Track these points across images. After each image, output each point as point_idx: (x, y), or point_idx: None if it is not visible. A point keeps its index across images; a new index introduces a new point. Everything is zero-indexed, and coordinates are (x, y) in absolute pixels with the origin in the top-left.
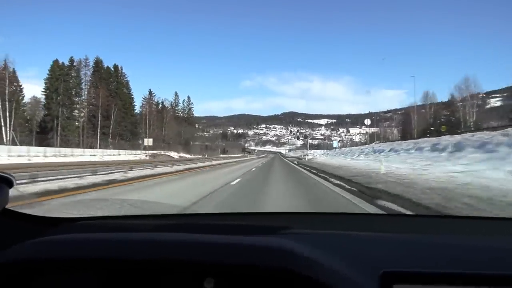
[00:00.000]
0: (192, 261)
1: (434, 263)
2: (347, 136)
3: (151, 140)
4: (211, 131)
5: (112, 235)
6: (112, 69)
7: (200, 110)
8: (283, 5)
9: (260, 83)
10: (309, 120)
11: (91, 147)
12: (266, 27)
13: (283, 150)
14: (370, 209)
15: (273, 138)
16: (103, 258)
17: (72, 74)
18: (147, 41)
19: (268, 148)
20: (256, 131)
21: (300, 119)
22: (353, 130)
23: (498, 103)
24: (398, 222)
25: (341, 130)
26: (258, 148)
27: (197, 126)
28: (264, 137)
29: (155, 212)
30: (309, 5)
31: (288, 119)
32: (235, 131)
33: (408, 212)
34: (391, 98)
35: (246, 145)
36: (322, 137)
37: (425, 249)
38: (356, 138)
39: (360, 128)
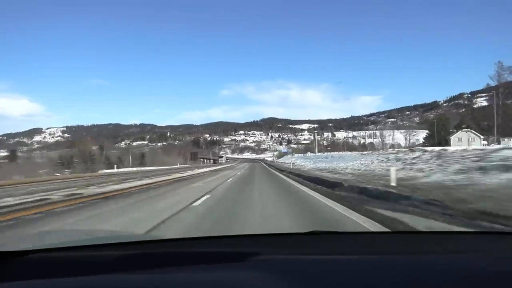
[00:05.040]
0: None
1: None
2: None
3: None
4: (183, 139)
5: (69, 282)
6: None
7: (177, 119)
8: (260, 14)
9: (239, 92)
10: (290, 126)
11: None
12: (244, 37)
13: (268, 157)
14: None
15: (253, 144)
16: None
17: None
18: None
19: (247, 155)
20: (234, 137)
21: (280, 125)
22: (338, 134)
23: None
24: (373, 240)
25: (325, 134)
26: (235, 155)
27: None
28: (242, 143)
29: (113, 241)
30: (286, 15)
31: (268, 125)
32: (209, 138)
33: None
34: (368, 104)
35: (222, 152)
36: (308, 141)
37: (396, 272)
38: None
39: (346, 132)
